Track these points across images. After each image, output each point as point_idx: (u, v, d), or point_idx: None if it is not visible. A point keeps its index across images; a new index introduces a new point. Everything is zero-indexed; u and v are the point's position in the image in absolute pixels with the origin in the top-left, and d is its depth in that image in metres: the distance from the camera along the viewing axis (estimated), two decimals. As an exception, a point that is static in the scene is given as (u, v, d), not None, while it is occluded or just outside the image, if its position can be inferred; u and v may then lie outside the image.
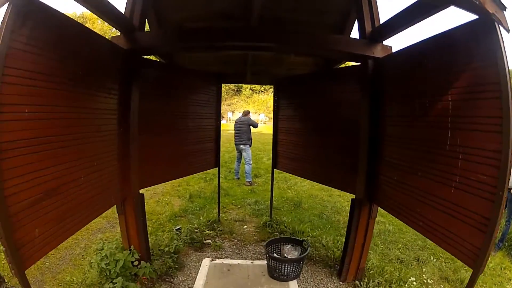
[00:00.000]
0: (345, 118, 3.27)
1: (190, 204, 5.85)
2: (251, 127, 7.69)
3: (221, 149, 13.45)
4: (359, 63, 3.06)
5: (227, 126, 31.11)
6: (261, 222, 4.88)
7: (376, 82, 2.86)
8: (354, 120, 3.10)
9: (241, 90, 64.02)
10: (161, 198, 6.21)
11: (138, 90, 2.84)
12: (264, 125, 37.41)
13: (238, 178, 7.97)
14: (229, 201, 6.17)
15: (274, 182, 7.61)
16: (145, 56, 3.06)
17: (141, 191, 3.10)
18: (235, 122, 7.85)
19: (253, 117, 8.31)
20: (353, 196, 3.14)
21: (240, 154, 7.80)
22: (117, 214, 3.05)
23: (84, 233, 4.39)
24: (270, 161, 10.77)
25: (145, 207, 5.43)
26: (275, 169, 4.75)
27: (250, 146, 7.63)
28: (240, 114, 7.97)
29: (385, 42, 2.86)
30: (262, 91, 64.69)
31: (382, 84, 2.81)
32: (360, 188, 3.06)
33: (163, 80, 3.35)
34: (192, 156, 3.87)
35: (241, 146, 7.55)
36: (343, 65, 3.76)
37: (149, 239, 3.96)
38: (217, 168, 4.57)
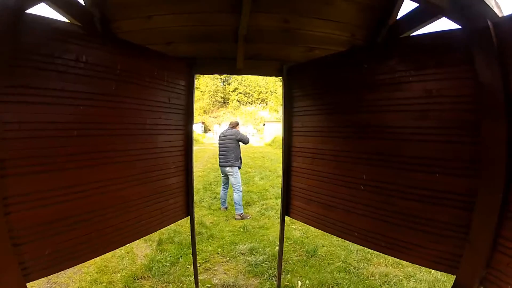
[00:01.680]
0: (435, 134, 1.63)
1: (158, 255, 4.02)
2: (240, 143, 5.93)
3: (206, 166, 11.30)
4: (459, 27, 1.52)
5: (213, 139, 29.35)
6: (264, 291, 3.12)
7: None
8: (457, 136, 1.52)
9: (227, 102, 63.16)
10: (115, 248, 4.31)
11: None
12: (252, 137, 35.67)
13: (226, 208, 6.17)
14: (214, 248, 4.37)
15: (272, 214, 5.91)
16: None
17: None
18: (219, 137, 6.08)
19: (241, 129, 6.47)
20: None
21: (226, 178, 6.00)
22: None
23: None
24: (264, 182, 9.10)
25: (96, 261, 3.60)
26: (286, 217, 2.94)
27: (239, 168, 5.88)
28: (226, 127, 6.23)
29: None
30: (249, 103, 64.14)
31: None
32: (471, 266, 1.50)
33: (69, 58, 1.61)
34: (136, 205, 2.07)
35: (227, 168, 5.76)
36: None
37: None
38: (189, 217, 2.73)
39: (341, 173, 2.21)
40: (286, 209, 2.80)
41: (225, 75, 65.55)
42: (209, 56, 2.59)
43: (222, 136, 5.98)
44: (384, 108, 1.86)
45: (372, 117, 2.01)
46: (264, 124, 51.26)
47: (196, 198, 7.10)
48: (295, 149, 2.60)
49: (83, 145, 1.73)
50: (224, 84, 66.49)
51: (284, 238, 4.75)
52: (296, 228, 5.23)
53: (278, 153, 20.95)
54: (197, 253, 4.22)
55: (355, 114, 2.12)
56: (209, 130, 51.98)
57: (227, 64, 2.59)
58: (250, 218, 5.70)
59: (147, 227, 2.21)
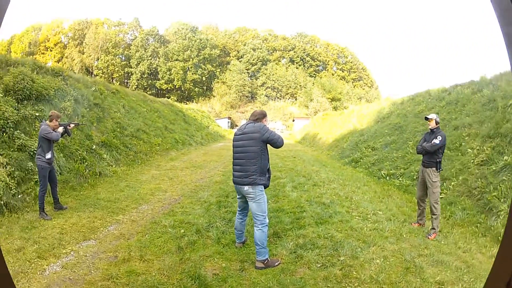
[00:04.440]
0: None
1: None
2: (268, 145, 3.67)
3: (227, 168, 8.78)
4: None
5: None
6: None
7: None
8: None
9: (255, 97, 61.21)
10: None
11: None
12: (281, 133, 33.00)
13: (243, 243, 4.04)
14: None
15: (312, 257, 3.43)
16: None
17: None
18: (235, 136, 3.78)
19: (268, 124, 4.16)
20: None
21: (244, 201, 3.79)
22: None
23: None
24: (297, 194, 6.70)
25: None
26: None
27: (265, 186, 3.61)
28: (245, 122, 3.97)
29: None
30: (278, 98, 61.74)
31: None
32: None
33: None
34: None
35: (246, 188, 3.47)
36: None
37: None
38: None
39: None
40: None
41: (253, 69, 63.52)
42: None
43: (239, 135, 3.66)
44: None
45: None
46: (293, 120, 48.46)
47: (202, 220, 5.00)
48: None
49: None
50: (252, 78, 64.63)
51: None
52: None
53: (310, 152, 18.19)
54: None
55: None
56: (236, 125, 50.59)
57: None
58: (279, 264, 3.52)
59: None
